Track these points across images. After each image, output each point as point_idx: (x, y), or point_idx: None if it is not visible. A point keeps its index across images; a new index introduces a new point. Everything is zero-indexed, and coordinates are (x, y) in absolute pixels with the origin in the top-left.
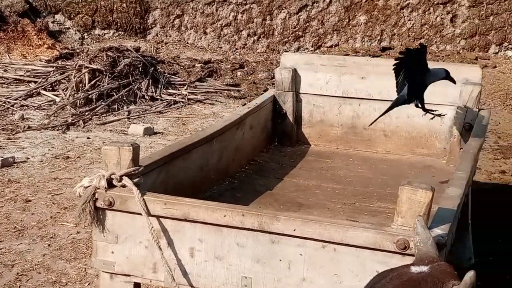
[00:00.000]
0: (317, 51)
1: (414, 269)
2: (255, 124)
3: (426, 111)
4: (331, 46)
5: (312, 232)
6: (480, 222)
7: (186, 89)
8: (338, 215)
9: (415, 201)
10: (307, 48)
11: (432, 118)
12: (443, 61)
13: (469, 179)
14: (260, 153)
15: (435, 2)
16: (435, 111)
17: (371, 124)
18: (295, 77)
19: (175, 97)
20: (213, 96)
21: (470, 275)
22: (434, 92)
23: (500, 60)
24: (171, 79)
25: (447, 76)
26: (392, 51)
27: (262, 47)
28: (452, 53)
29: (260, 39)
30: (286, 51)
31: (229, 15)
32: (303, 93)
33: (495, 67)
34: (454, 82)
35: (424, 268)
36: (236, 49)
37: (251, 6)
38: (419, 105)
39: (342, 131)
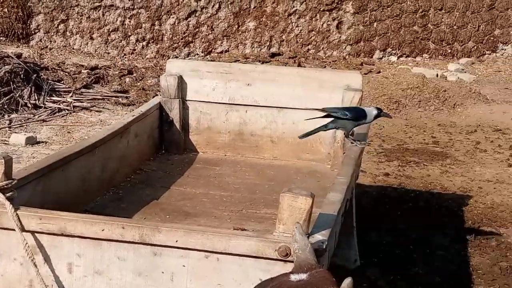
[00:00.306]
0: (208, 56)
1: (293, 277)
2: (141, 132)
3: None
4: (221, 52)
5: (195, 243)
6: (365, 225)
7: (71, 96)
8: (225, 222)
9: (295, 208)
10: (197, 54)
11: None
12: (330, 66)
13: (351, 183)
14: (146, 161)
15: (321, 9)
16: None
17: (303, 137)
18: (181, 84)
19: (59, 104)
20: (100, 103)
21: (347, 282)
22: (318, 98)
23: (384, 65)
24: (55, 86)
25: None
26: (281, 56)
27: (152, 52)
28: (339, 59)
29: (149, 45)
30: (176, 57)
31: (117, 20)
32: (189, 100)
33: (379, 72)
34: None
35: (303, 276)
36: (125, 54)
37: (139, 11)
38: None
39: (229, 137)
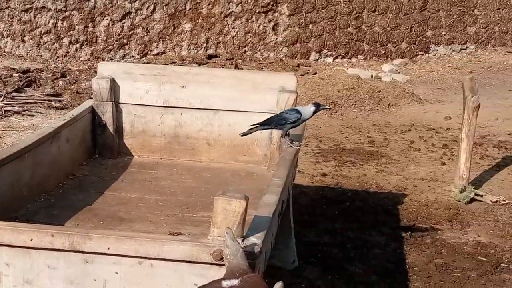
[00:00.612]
0: (144, 58)
1: (225, 283)
2: (72, 137)
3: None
4: (157, 54)
5: (127, 249)
6: (304, 225)
7: (2, 101)
8: (161, 227)
9: (229, 211)
10: (133, 56)
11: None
12: (267, 68)
13: (287, 184)
14: (79, 166)
15: (257, 11)
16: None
17: (244, 134)
18: (114, 87)
19: None
20: (33, 107)
21: (278, 286)
22: (253, 100)
23: (320, 67)
24: None
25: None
26: (218, 58)
27: (86, 55)
28: (276, 60)
29: (83, 47)
30: (111, 59)
31: (49, 22)
32: (123, 103)
33: (315, 73)
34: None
35: (235, 282)
36: (58, 57)
37: (72, 13)
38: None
39: (165, 141)
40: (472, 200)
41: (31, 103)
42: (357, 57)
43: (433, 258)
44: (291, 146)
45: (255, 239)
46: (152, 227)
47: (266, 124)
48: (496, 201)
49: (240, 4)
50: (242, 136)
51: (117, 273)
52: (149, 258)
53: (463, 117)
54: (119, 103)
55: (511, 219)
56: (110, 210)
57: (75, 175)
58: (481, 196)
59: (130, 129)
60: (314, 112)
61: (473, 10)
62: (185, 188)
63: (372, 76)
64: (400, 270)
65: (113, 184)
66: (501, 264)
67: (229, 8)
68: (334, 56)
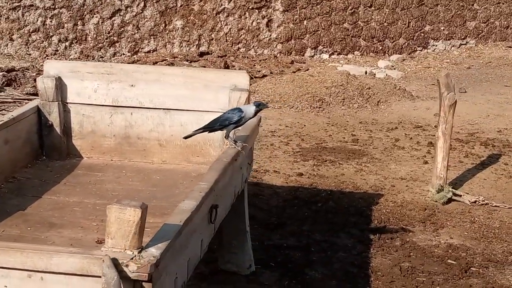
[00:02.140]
0: (135, 56)
1: None
2: (13, 138)
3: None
4: (148, 52)
5: (14, 262)
6: (270, 227)
7: None
8: (91, 233)
9: (124, 221)
10: (123, 54)
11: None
12: (259, 65)
13: (217, 188)
14: (23, 169)
15: (250, 7)
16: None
17: (187, 137)
18: (61, 86)
19: None
20: (11, 106)
21: None
22: (204, 99)
23: (316, 63)
24: None
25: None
26: (210, 56)
27: (75, 53)
28: (269, 57)
29: (72, 45)
30: (102, 57)
31: (37, 20)
32: (70, 102)
33: (307, 70)
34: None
35: None
36: (47, 55)
37: (61, 10)
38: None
39: (115, 141)
40: (450, 200)
41: (9, 102)
42: (353, 53)
43: (400, 262)
44: (235, 147)
45: (155, 250)
46: (81, 233)
47: (210, 125)
48: (474, 201)
49: (232, 0)
50: (185, 138)
51: (6, 286)
52: (39, 271)
53: (439, 114)
54: (67, 103)
55: (488, 220)
56: (43, 215)
57: (15, 178)
58: (460, 196)
59: (79, 130)
60: (256, 112)
61: (472, 5)
62: (129, 192)
63: (366, 72)
64: (362, 275)
65: (54, 188)
66: (471, 268)
67: (221, 5)
68: (330, 53)
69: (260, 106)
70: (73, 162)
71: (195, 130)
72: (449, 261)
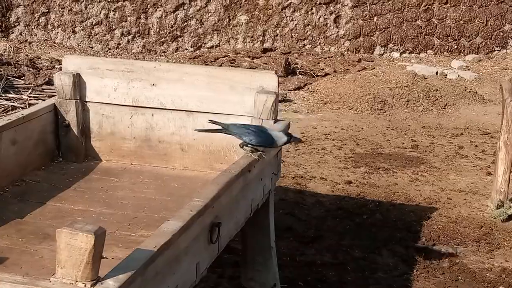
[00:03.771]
0: (197, 51)
1: None
2: (22, 139)
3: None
4: (211, 47)
5: None
6: (305, 241)
7: (30, 93)
8: None
9: (75, 248)
10: (186, 49)
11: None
12: (324, 63)
13: (218, 205)
14: (35, 171)
15: (318, 2)
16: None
17: (200, 130)
18: (79, 83)
19: (13, 102)
20: None
21: None
22: (229, 101)
23: (384, 62)
24: (14, 82)
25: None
26: (273, 52)
27: (138, 47)
28: (336, 55)
29: (135, 39)
30: (164, 52)
31: (100, 13)
32: (89, 101)
33: (373, 69)
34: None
35: None
36: (109, 49)
37: (124, 3)
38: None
39: (135, 144)
40: (511, 217)
41: None
42: (426, 52)
43: (445, 286)
44: (251, 155)
45: (112, 283)
46: None
47: (230, 129)
48: None
49: None
50: (197, 131)
51: None
52: None
53: (502, 123)
54: (85, 102)
55: None
56: (40, 225)
57: (24, 181)
58: None
59: (98, 131)
60: (284, 143)
61: None
62: (140, 200)
63: (437, 73)
64: None
65: (61, 194)
66: None
67: (288, 0)
68: (401, 51)
69: (292, 140)
70: (90, 165)
71: (213, 129)
72: (500, 287)
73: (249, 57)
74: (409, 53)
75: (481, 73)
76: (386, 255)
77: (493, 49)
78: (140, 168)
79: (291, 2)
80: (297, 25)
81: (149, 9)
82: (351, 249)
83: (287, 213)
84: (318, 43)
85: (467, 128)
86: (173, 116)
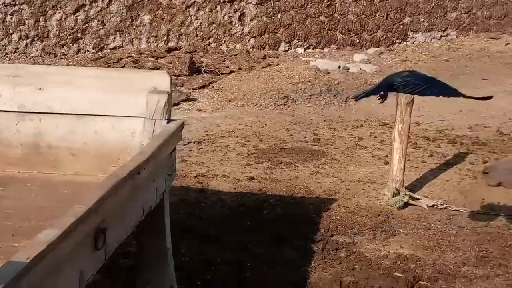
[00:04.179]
0: (99, 53)
1: None
2: None
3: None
4: (114, 48)
5: None
6: (206, 240)
7: None
8: None
9: None
10: (88, 50)
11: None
12: (229, 60)
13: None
14: None
15: (222, 0)
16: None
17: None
18: None
19: None
20: None
21: None
22: (121, 103)
23: (289, 58)
24: None
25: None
26: (178, 51)
27: (37, 50)
28: (241, 52)
29: (34, 42)
30: (65, 54)
31: None
32: None
33: (278, 65)
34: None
35: None
36: (6, 53)
37: (21, 7)
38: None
39: (23, 151)
40: (407, 204)
41: None
42: (329, 47)
43: (342, 276)
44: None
45: None
46: None
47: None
48: (432, 206)
49: None
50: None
51: None
52: None
53: (396, 113)
54: None
55: (445, 226)
56: None
57: None
58: (418, 200)
59: None
60: None
61: None
62: (27, 209)
63: (339, 67)
64: None
65: None
66: (418, 282)
67: None
68: (305, 47)
69: None
70: None
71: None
72: (396, 274)
73: (153, 57)
74: (313, 49)
75: (382, 66)
76: (285, 249)
77: (394, 41)
78: (28, 176)
79: (195, 1)
80: (201, 24)
81: (48, 11)
82: (251, 246)
83: (188, 213)
84: (223, 41)
85: (367, 119)
86: (62, 120)
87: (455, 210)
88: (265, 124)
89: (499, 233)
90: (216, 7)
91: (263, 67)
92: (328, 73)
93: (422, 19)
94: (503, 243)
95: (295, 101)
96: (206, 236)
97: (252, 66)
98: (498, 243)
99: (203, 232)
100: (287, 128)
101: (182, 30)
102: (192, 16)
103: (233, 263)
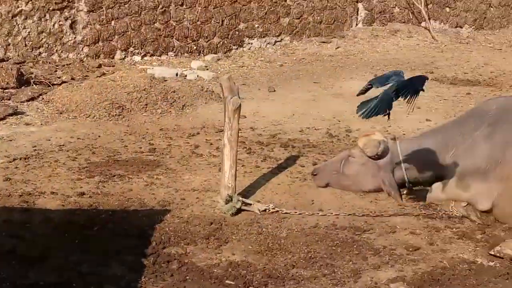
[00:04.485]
0: None
1: None
2: None
3: None
4: None
5: None
6: (28, 262)
7: None
8: None
9: None
10: None
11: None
12: (62, 71)
13: None
14: None
15: (51, 8)
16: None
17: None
18: None
19: None
20: None
21: None
22: None
23: (126, 66)
24: None
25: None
26: (6, 63)
27: None
28: (75, 61)
29: None
30: None
31: None
32: None
33: (113, 73)
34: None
35: None
36: None
37: None
38: None
39: None
40: (240, 210)
41: None
42: (167, 54)
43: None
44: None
45: None
46: None
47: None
48: (264, 210)
49: (30, 2)
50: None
51: None
52: None
53: (224, 120)
54: None
55: (275, 230)
56: None
57: None
58: (250, 205)
59: None
60: None
61: (285, 0)
62: None
63: (177, 74)
64: None
65: None
66: (249, 287)
67: (18, 7)
68: (142, 54)
69: None
70: None
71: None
72: (227, 281)
73: None
74: (150, 56)
75: (219, 72)
76: (115, 266)
77: (231, 48)
78: None
79: (22, 10)
80: (30, 33)
81: None
82: (78, 265)
83: (11, 235)
84: (55, 51)
85: (204, 127)
86: None
87: (285, 213)
88: (99, 136)
89: (326, 233)
90: (45, 15)
91: (97, 76)
92: (166, 80)
93: (256, 25)
94: (331, 243)
95: (130, 111)
96: (29, 258)
97: (86, 76)
98: (326, 243)
99: (25, 254)
100: (122, 139)
101: (9, 40)
102: (20, 25)
103: (60, 285)
